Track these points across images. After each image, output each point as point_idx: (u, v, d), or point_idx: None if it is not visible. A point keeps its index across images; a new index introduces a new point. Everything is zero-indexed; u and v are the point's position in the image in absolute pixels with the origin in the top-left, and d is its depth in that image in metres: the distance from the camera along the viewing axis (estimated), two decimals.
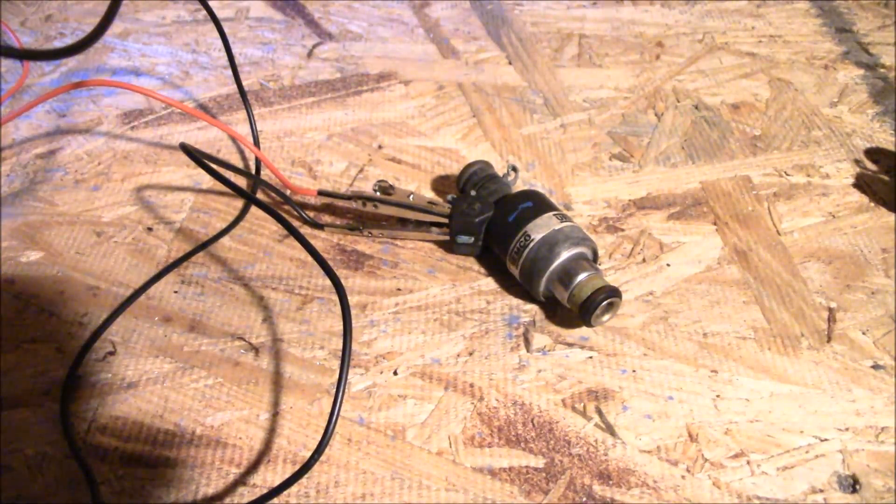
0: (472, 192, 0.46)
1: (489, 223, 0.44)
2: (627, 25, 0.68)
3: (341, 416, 0.39)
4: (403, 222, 0.47)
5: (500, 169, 0.53)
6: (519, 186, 0.51)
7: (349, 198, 0.47)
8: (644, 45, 0.65)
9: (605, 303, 0.40)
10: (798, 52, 0.65)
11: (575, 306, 0.41)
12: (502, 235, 0.43)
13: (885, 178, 0.53)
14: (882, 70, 0.63)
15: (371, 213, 0.47)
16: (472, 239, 0.45)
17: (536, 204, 0.43)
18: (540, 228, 0.42)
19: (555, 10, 0.70)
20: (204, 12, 0.68)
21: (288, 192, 0.50)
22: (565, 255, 0.41)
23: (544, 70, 0.63)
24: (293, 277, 0.46)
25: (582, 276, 0.40)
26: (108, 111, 0.58)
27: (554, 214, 0.42)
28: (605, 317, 0.42)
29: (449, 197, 0.46)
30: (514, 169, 0.48)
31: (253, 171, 0.54)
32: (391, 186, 0.46)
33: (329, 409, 0.35)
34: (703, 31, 0.67)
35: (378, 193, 0.46)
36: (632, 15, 0.69)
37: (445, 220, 0.45)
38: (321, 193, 0.48)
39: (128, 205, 0.50)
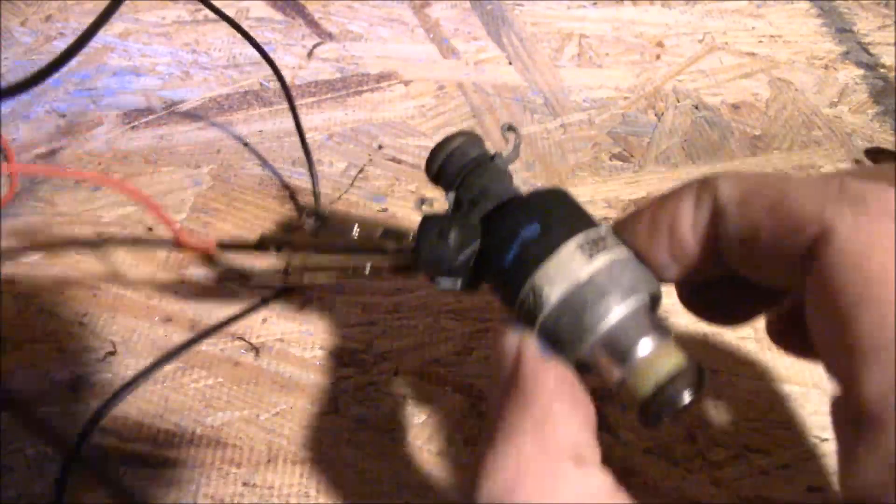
0: (451, 195, 0.29)
1: (478, 256, 0.27)
2: (628, 25, 0.68)
3: (341, 416, 0.39)
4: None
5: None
6: (522, 176, 0.51)
7: (255, 248, 0.33)
8: (644, 45, 0.65)
9: (685, 401, 0.22)
10: (798, 52, 0.65)
11: (633, 399, 0.23)
12: (499, 282, 0.26)
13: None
14: (882, 70, 0.63)
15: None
16: (457, 280, 0.28)
17: (548, 226, 0.24)
18: (556, 279, 0.23)
19: (555, 10, 0.70)
20: (204, 12, 0.68)
21: (178, 247, 0.43)
22: (605, 325, 0.23)
23: (544, 70, 0.63)
24: None
25: (643, 352, 0.22)
26: (108, 111, 0.58)
27: (578, 246, 0.23)
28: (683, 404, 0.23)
29: (422, 204, 0.29)
30: (511, 129, 0.29)
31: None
32: (327, 217, 0.34)
33: (329, 410, 0.35)
34: (704, 31, 0.67)
35: (312, 223, 0.34)
36: (632, 15, 0.69)
37: (407, 263, 0.29)
38: (221, 246, 0.37)
39: (128, 205, 0.50)
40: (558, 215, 0.25)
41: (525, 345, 0.22)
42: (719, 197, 0.20)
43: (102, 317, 0.43)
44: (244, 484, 0.36)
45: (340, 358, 0.41)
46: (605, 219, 0.50)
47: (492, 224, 0.26)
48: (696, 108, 0.59)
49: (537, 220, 0.25)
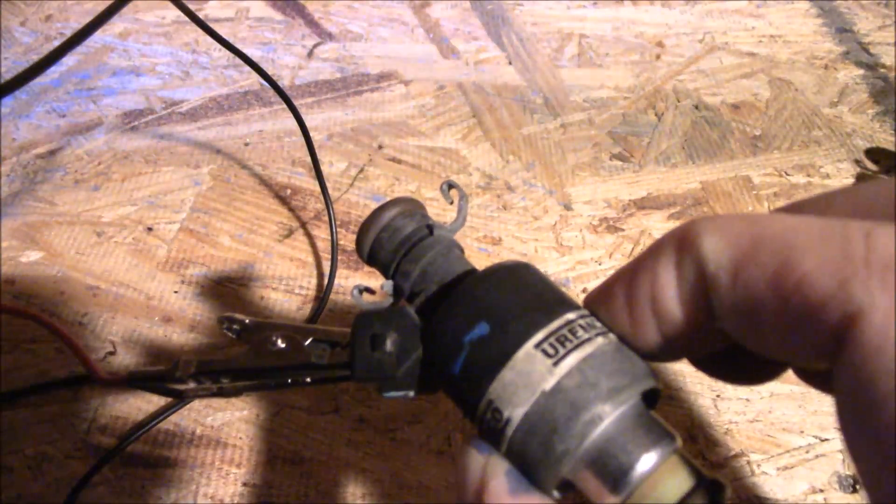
0: (388, 285, 0.24)
1: (423, 362, 0.22)
2: (628, 25, 0.68)
3: (341, 416, 0.39)
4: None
5: (496, 165, 0.52)
6: (522, 176, 0.51)
7: (163, 377, 0.27)
8: (644, 45, 0.65)
9: None
10: (798, 52, 0.65)
11: None
12: (452, 393, 0.21)
13: (886, 178, 0.53)
14: (882, 70, 0.63)
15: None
16: (406, 391, 0.23)
17: (499, 324, 0.19)
18: (515, 393, 0.18)
19: (555, 10, 0.70)
20: (204, 12, 0.68)
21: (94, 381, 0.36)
22: (585, 445, 0.18)
23: (544, 70, 0.63)
24: (293, 277, 0.46)
25: (641, 472, 0.17)
26: (108, 111, 0.58)
27: (537, 346, 0.18)
28: None
29: (360, 294, 0.23)
30: (452, 186, 0.24)
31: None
32: (251, 323, 0.27)
33: (329, 410, 0.35)
34: (704, 31, 0.67)
35: (230, 330, 0.27)
36: (632, 15, 0.69)
37: (345, 373, 0.25)
38: (133, 378, 0.29)
39: (128, 205, 0.50)
40: (512, 307, 0.20)
41: (491, 473, 0.18)
42: (705, 262, 0.16)
43: (102, 317, 0.43)
44: (244, 484, 0.36)
45: None
46: (604, 218, 0.50)
47: (435, 319, 0.21)
48: (697, 107, 0.59)
49: (485, 315, 0.20)
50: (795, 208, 0.18)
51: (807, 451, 0.38)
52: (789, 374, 0.41)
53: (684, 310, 0.17)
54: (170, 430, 0.38)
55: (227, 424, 0.39)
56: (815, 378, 0.19)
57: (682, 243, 0.17)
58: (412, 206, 0.24)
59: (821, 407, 0.39)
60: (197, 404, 0.39)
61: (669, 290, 0.17)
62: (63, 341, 0.36)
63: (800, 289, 0.14)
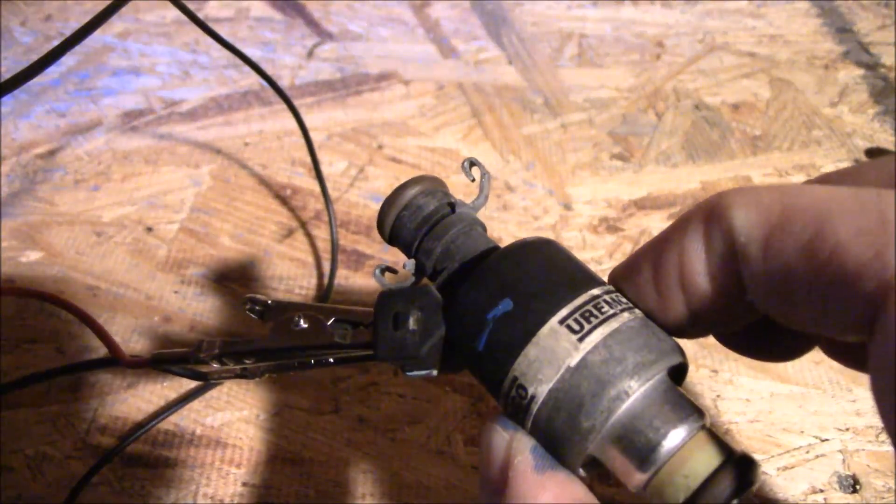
0: (410, 264, 0.23)
1: (447, 340, 0.22)
2: (628, 25, 0.68)
3: (341, 416, 0.39)
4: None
5: (497, 167, 0.52)
6: (522, 176, 0.51)
7: (184, 359, 0.28)
8: (644, 45, 0.65)
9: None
10: (798, 52, 0.65)
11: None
12: (477, 370, 0.21)
13: None
14: (882, 70, 0.63)
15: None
16: (429, 370, 0.23)
17: (523, 300, 0.19)
18: (540, 369, 0.18)
19: (555, 10, 0.70)
20: (204, 12, 0.68)
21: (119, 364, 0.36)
22: (611, 421, 0.17)
23: (544, 70, 0.63)
24: (293, 277, 0.46)
25: (669, 448, 0.17)
26: (108, 111, 0.58)
27: (562, 322, 0.18)
28: None
29: (382, 274, 0.23)
30: (474, 164, 0.24)
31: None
32: (273, 303, 0.27)
33: (329, 410, 0.35)
34: (704, 31, 0.67)
35: (252, 311, 0.27)
36: (632, 15, 0.69)
37: (368, 352, 0.25)
38: (157, 360, 0.29)
39: (128, 205, 0.50)
40: (536, 283, 0.19)
41: (516, 449, 0.17)
42: (735, 233, 0.15)
43: (102, 317, 0.43)
44: (244, 484, 0.36)
45: None
46: (604, 218, 0.50)
47: (458, 297, 0.20)
48: (697, 107, 0.59)
49: (509, 292, 0.19)
50: (824, 180, 0.18)
51: (807, 451, 0.38)
52: (789, 374, 0.41)
53: (713, 283, 0.17)
54: (170, 430, 0.38)
55: (227, 424, 0.39)
56: (845, 354, 0.19)
57: (710, 215, 0.16)
58: (433, 184, 0.23)
59: (821, 407, 0.39)
60: (196, 404, 0.39)
61: (697, 264, 0.17)
62: (87, 324, 0.36)
63: (834, 258, 0.13)
